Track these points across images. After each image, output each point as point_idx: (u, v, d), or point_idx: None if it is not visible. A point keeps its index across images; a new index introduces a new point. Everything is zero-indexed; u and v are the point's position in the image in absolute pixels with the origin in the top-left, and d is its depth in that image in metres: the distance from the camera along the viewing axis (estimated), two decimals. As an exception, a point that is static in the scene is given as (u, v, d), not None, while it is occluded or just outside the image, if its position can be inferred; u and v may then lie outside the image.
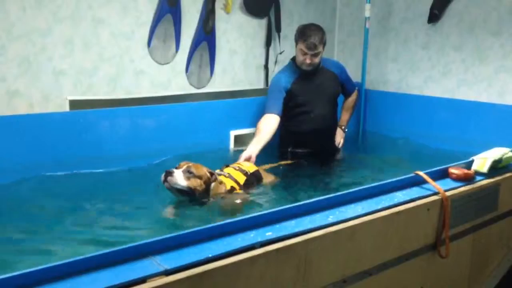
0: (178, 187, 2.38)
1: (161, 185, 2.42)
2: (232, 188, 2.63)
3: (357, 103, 3.91)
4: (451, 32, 3.79)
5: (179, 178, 2.38)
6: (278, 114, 3.34)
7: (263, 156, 3.37)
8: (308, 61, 3.32)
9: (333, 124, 3.65)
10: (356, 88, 3.86)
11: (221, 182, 2.59)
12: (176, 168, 2.45)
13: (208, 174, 2.50)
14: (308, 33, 3.29)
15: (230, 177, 2.68)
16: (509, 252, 2.45)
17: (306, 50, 3.29)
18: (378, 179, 2.06)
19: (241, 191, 2.65)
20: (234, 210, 2.52)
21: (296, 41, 3.38)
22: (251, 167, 2.84)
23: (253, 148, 3.06)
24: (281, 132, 3.53)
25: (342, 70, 3.65)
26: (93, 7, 3.07)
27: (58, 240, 2.03)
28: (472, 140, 3.45)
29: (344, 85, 3.67)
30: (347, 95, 3.78)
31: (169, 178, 2.37)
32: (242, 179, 2.71)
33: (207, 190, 2.49)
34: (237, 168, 2.77)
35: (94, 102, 3.14)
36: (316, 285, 1.57)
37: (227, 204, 2.55)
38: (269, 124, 3.28)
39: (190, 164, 2.47)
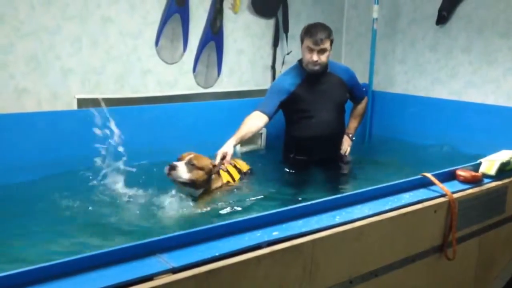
0: (181, 180, 2.47)
1: (164, 180, 2.50)
2: (228, 182, 2.75)
3: (366, 110, 3.73)
4: (459, 34, 3.78)
5: (182, 171, 2.46)
6: (267, 114, 3.12)
7: (266, 160, 3.37)
8: (315, 58, 3.13)
9: (339, 132, 3.43)
10: (366, 95, 3.69)
11: (219, 175, 2.71)
12: (179, 159, 2.52)
13: (210, 166, 2.58)
14: (314, 29, 3.14)
15: (228, 172, 2.79)
16: (516, 255, 2.44)
17: (312, 46, 3.11)
18: (385, 180, 2.05)
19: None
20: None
21: (302, 39, 3.21)
22: (244, 166, 2.97)
23: (230, 144, 2.88)
24: (284, 137, 3.45)
25: (351, 76, 3.45)
26: (102, 6, 3.09)
27: (65, 236, 2.05)
28: (480, 143, 3.43)
29: (353, 92, 3.47)
30: (355, 102, 3.59)
31: (172, 172, 2.45)
32: (237, 176, 2.85)
33: (208, 180, 2.58)
34: (233, 165, 2.89)
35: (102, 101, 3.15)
36: (322, 285, 1.57)
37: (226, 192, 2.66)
38: (254, 121, 3.08)
39: (192, 156, 2.53)
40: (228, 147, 2.83)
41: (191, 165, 2.49)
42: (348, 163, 3.50)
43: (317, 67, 3.19)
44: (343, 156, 3.49)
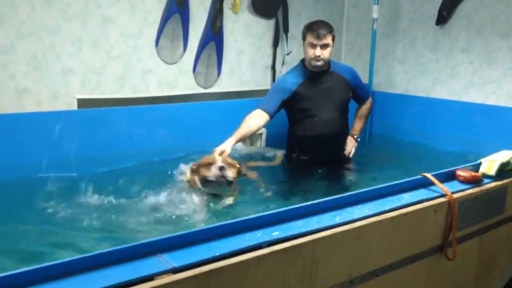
0: (230, 178, 2.60)
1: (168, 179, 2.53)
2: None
3: (371, 111, 3.69)
4: (459, 34, 3.78)
5: (229, 170, 2.60)
6: (268, 113, 3.13)
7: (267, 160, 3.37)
8: (317, 52, 3.13)
9: (342, 131, 3.40)
10: (370, 96, 3.67)
11: None
12: (203, 164, 2.62)
13: (237, 164, 2.76)
14: (316, 25, 3.17)
15: None
16: (516, 255, 2.45)
17: (314, 41, 3.13)
18: (385, 181, 2.05)
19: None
20: None
21: (304, 36, 3.22)
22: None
23: (228, 142, 2.90)
24: (287, 137, 3.44)
25: (354, 75, 3.44)
26: (102, 6, 3.09)
27: (67, 236, 2.05)
28: (480, 143, 3.44)
29: (356, 92, 3.46)
30: (360, 102, 3.57)
31: (226, 173, 2.58)
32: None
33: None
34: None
35: (102, 101, 3.15)
36: (323, 285, 1.57)
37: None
38: (255, 119, 3.09)
39: (221, 157, 2.66)
40: (227, 145, 2.85)
41: (228, 164, 2.62)
42: (351, 163, 3.47)
43: (320, 63, 3.19)
44: (347, 158, 3.46)
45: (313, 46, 3.15)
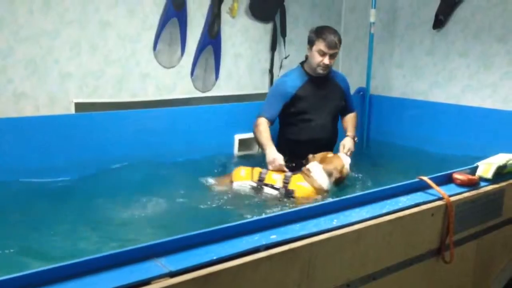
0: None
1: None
2: None
3: (357, 121, 3.62)
4: (456, 38, 3.80)
5: None
6: (270, 121, 3.20)
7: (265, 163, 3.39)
8: (327, 61, 3.12)
9: (333, 137, 3.40)
10: (356, 111, 3.60)
11: None
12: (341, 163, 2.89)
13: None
14: (328, 32, 3.14)
15: None
16: (513, 258, 2.45)
17: (326, 49, 3.10)
18: (382, 184, 2.05)
19: None
20: None
21: (312, 42, 3.16)
22: None
23: (275, 151, 3.03)
24: (278, 139, 3.40)
25: (347, 85, 3.48)
26: (100, 10, 3.10)
27: (63, 240, 2.05)
28: (477, 146, 3.45)
29: (346, 102, 3.45)
30: (345, 114, 3.52)
31: None
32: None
33: None
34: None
35: (100, 105, 3.16)
36: (320, 288, 1.58)
37: None
38: (266, 128, 3.16)
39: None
40: (277, 153, 2.99)
41: None
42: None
43: (326, 71, 3.22)
44: None
45: (323, 54, 3.14)
